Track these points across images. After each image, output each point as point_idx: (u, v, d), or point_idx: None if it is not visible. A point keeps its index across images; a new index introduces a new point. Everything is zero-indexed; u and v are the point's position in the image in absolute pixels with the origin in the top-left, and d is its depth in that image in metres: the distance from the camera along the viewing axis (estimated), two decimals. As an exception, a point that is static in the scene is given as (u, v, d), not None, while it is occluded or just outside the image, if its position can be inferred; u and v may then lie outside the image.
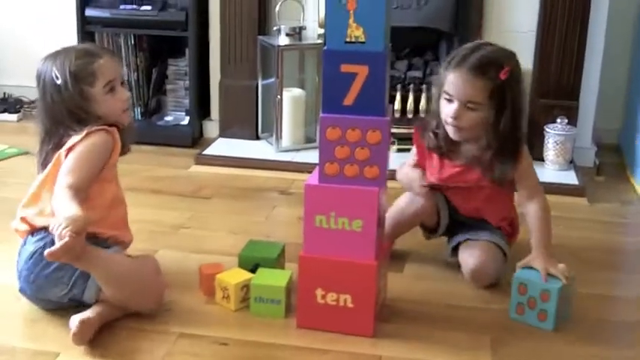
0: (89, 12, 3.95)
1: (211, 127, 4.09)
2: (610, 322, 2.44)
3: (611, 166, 3.84)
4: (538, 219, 2.46)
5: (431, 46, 4.03)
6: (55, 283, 2.21)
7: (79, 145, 2.24)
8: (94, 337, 2.17)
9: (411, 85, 3.82)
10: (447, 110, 2.44)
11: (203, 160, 3.72)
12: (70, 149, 2.24)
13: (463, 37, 3.74)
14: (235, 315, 2.36)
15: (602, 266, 2.79)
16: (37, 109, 2.37)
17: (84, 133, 2.24)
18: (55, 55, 2.33)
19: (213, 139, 3.97)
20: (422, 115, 3.79)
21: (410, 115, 3.81)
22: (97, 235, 2.24)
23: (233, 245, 2.73)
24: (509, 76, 2.38)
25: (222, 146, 3.88)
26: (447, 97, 2.43)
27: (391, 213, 2.61)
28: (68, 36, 4.05)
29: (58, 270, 2.19)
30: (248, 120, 3.96)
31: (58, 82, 2.27)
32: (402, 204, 2.65)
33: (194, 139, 4.01)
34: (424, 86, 3.80)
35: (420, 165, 2.62)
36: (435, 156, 2.56)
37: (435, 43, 4.01)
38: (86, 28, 3.99)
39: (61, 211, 2.06)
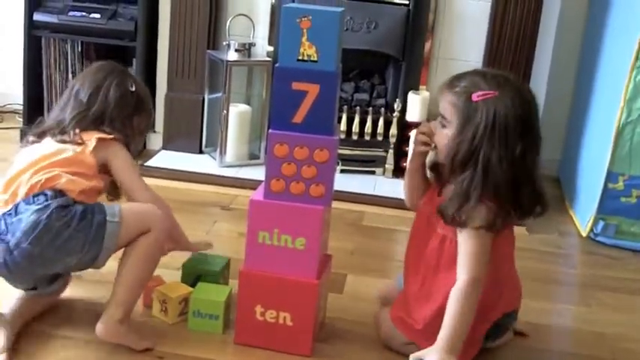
0: (37, 17, 3.90)
1: (155, 139, 4.06)
2: (537, 350, 2.47)
3: (549, 196, 3.86)
4: (451, 303, 2.06)
5: (378, 69, 4.05)
6: (68, 252, 2.13)
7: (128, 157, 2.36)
8: (26, 346, 2.16)
9: (358, 108, 3.84)
10: None
11: (145, 171, 3.66)
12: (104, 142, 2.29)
13: (410, 63, 3.80)
14: (172, 328, 2.34)
15: (536, 295, 2.82)
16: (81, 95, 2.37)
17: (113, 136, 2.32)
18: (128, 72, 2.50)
19: (156, 152, 3.95)
20: (367, 137, 3.82)
21: (355, 137, 3.82)
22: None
23: (172, 258, 2.71)
24: (487, 104, 2.05)
25: (165, 159, 3.85)
26: None
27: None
28: (15, 39, 4.02)
29: (70, 239, 2.11)
30: (192, 133, 3.94)
31: (132, 89, 2.40)
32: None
33: (137, 150, 3.97)
34: (370, 109, 3.83)
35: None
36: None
37: (383, 67, 4.04)
38: (33, 32, 3.94)
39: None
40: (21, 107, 4.12)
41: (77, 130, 2.29)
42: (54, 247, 2.10)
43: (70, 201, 2.15)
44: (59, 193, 2.15)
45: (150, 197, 2.35)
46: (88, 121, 2.32)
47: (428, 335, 2.10)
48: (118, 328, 2.17)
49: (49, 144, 2.28)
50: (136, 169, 2.39)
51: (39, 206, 2.09)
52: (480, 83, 2.09)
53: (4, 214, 2.14)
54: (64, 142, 2.27)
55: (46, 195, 2.12)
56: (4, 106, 4.45)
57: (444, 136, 2.13)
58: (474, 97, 2.06)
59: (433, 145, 2.21)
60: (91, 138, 2.28)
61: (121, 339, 2.19)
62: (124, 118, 2.38)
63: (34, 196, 2.13)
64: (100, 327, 2.16)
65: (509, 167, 2.06)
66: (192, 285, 2.43)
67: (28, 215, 2.09)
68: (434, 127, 2.20)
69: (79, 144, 2.26)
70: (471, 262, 2.08)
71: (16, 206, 2.13)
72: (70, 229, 2.10)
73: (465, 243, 2.09)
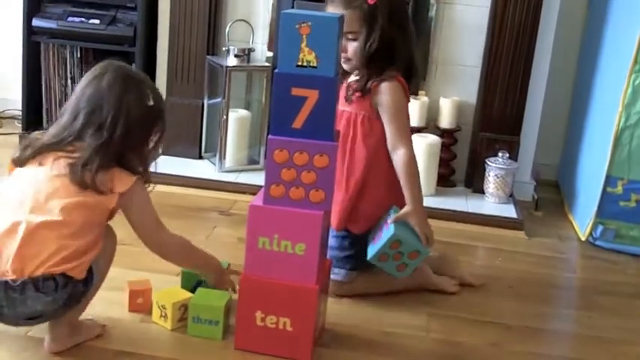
0: (36, 22, 3.91)
1: (154, 145, 4.06)
2: (536, 354, 2.46)
3: (548, 201, 3.91)
4: (402, 173, 2.47)
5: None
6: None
7: (145, 200, 2.19)
8: (28, 354, 2.16)
9: (357, 113, 3.84)
10: None
11: (144, 177, 3.68)
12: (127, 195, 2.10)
13: (410, 68, 3.79)
14: (172, 334, 2.33)
15: (537, 300, 2.83)
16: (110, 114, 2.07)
17: (135, 178, 2.11)
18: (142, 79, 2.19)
19: (156, 157, 3.94)
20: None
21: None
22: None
23: (172, 265, 2.71)
24: (381, 2, 2.46)
25: (165, 164, 3.83)
26: None
27: None
28: (13, 45, 4.02)
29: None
30: (192, 139, 3.95)
31: (150, 103, 2.13)
32: None
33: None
34: (369, 114, 3.83)
35: None
36: None
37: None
38: (32, 38, 3.94)
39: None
40: (20, 113, 4.13)
41: (99, 175, 2.02)
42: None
43: (77, 284, 2.05)
44: (69, 279, 2.02)
45: (166, 238, 2.28)
46: (109, 156, 2.05)
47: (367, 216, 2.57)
48: (70, 338, 2.19)
49: (59, 181, 2.03)
50: (153, 210, 2.20)
51: (48, 298, 2.00)
52: None
53: (6, 282, 1.97)
54: (84, 185, 2.02)
55: (56, 282, 2.00)
56: (3, 111, 4.46)
57: (357, 47, 2.51)
58: (370, 1, 2.45)
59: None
60: (114, 186, 2.05)
61: (76, 341, 2.20)
62: (144, 139, 2.14)
63: (43, 280, 1.97)
64: (53, 345, 2.16)
65: (406, 44, 2.53)
66: (192, 291, 2.42)
67: (35, 303, 2.00)
68: (344, 44, 2.51)
69: (102, 193, 2.04)
70: (402, 134, 2.49)
71: (24, 284, 1.97)
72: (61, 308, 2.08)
73: (391, 121, 2.49)
